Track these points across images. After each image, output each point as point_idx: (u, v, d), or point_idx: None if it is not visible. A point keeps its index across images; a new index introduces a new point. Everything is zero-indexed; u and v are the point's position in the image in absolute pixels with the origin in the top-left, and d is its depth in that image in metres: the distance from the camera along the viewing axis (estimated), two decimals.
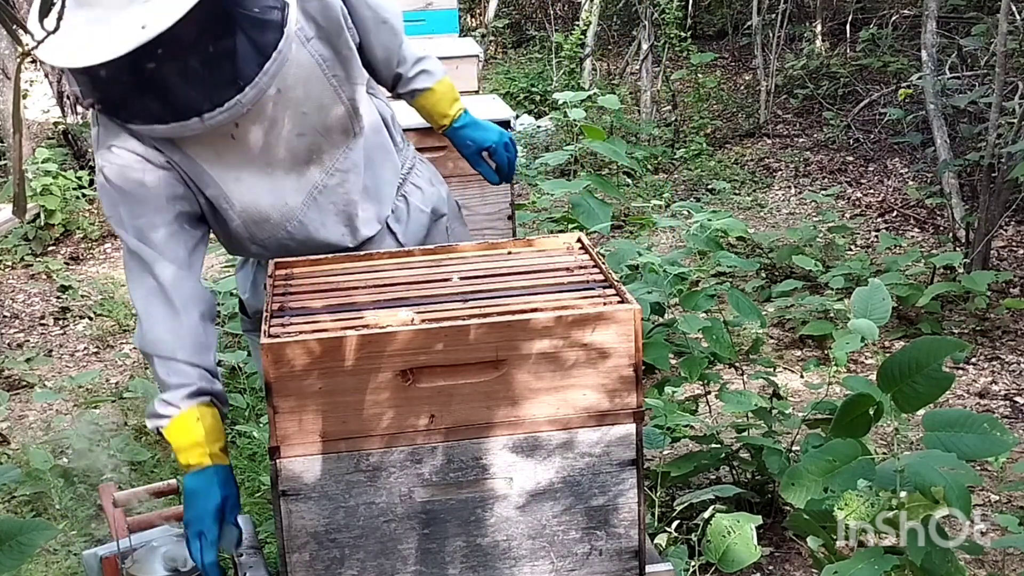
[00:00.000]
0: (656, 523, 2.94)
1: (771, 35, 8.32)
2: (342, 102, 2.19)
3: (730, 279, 5.20)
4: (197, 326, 2.09)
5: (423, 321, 1.81)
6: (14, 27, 2.12)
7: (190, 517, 2.03)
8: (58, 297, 5.55)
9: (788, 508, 3.01)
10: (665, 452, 3.29)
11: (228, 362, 4.23)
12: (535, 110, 8.81)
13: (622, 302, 1.85)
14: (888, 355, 3.30)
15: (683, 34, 8.18)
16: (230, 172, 2.12)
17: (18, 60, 2.40)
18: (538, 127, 8.19)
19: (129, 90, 1.97)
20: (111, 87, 1.98)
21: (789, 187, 6.90)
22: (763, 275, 5.28)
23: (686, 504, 2.90)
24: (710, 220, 3.93)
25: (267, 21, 2.00)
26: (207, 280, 5.15)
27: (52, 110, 7.56)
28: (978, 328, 4.64)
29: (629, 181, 7.02)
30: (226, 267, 5.28)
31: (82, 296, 5.54)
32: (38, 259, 5.99)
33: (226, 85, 1.98)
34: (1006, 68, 5.18)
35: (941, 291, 4.66)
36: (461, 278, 2.04)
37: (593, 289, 1.94)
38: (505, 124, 3.51)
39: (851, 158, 7.19)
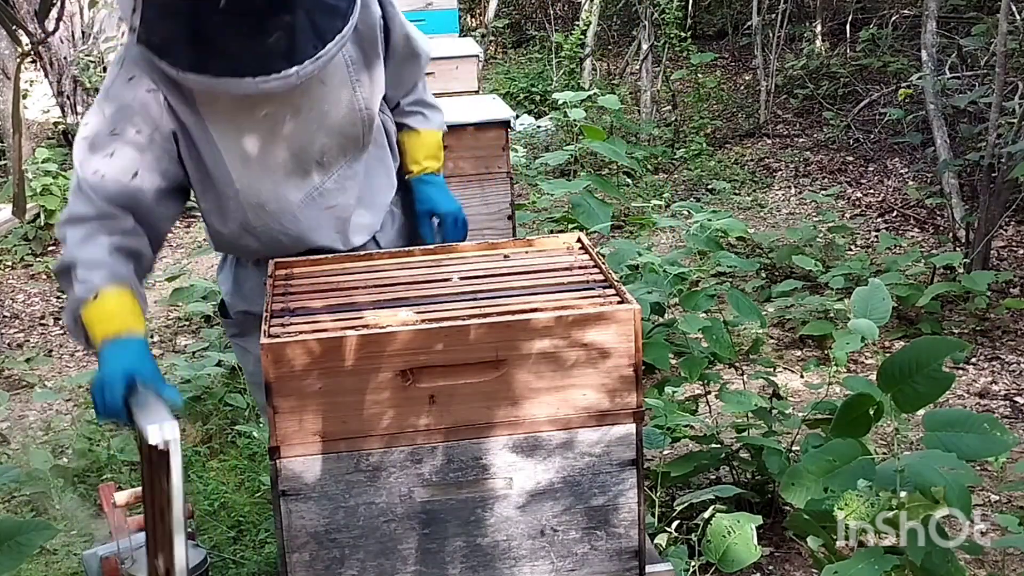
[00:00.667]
0: (656, 523, 2.94)
1: (771, 35, 8.32)
2: (359, 109, 2.21)
3: (730, 279, 5.20)
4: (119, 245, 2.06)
5: (423, 321, 1.81)
6: (14, 27, 2.12)
7: (96, 377, 1.93)
8: (58, 297, 5.54)
9: (788, 508, 3.01)
10: (665, 452, 3.29)
11: (228, 362, 4.23)
12: (535, 110, 8.81)
13: (622, 302, 1.85)
14: (888, 355, 3.30)
15: (683, 34, 8.18)
16: (241, 150, 2.11)
17: (18, 60, 2.40)
18: (538, 127, 8.19)
19: (194, 34, 1.97)
20: (180, 25, 1.98)
21: (789, 187, 6.91)
22: (763, 275, 5.28)
23: (686, 504, 2.90)
24: (710, 220, 3.93)
25: (336, 7, 2.04)
26: (207, 280, 5.15)
27: (52, 110, 7.56)
28: (978, 328, 4.64)
29: (629, 181, 7.02)
30: None
31: None
32: (38, 259, 5.99)
33: (283, 56, 1.99)
34: (1006, 68, 5.18)
35: (941, 291, 4.66)
36: (461, 278, 2.04)
37: (593, 289, 1.94)
38: (505, 124, 3.52)
39: (851, 158, 7.19)
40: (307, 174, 2.19)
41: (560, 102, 5.53)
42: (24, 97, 7.57)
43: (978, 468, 3.31)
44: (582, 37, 8.80)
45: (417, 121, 2.41)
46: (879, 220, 6.18)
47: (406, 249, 2.25)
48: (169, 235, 2.26)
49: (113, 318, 1.98)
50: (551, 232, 4.68)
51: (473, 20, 11.52)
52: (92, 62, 6.81)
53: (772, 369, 3.90)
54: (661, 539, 2.72)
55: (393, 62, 2.29)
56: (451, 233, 2.38)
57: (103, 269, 2.01)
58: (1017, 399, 4.07)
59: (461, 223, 2.40)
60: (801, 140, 7.69)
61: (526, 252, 2.16)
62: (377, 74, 2.23)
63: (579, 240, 2.16)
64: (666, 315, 4.06)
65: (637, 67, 8.79)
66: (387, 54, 2.28)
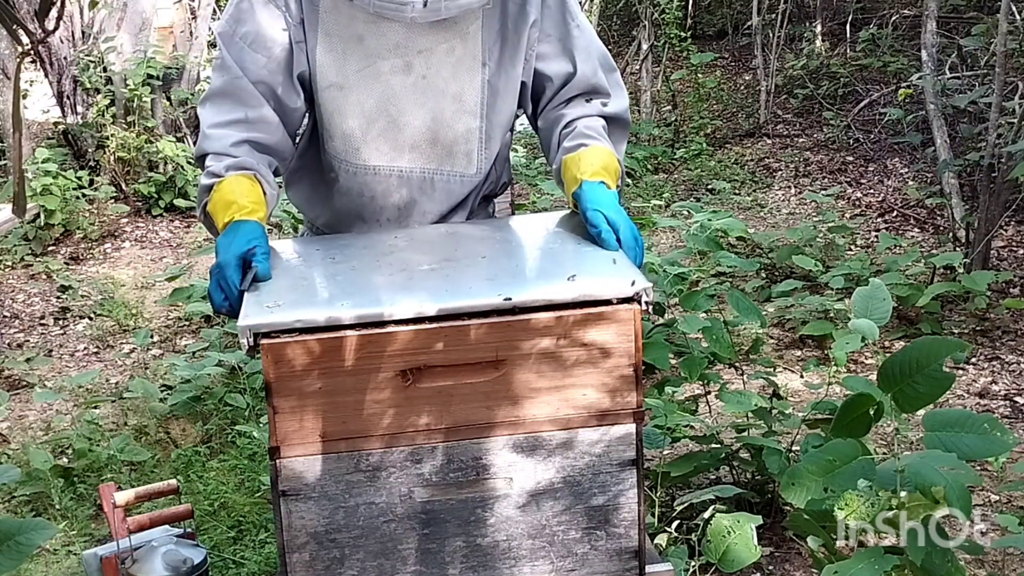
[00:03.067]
0: (656, 523, 2.94)
1: (771, 35, 8.33)
2: (474, 111, 2.18)
3: (730, 279, 5.20)
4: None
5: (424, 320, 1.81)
6: (14, 27, 2.12)
7: (214, 265, 1.99)
8: (58, 297, 5.55)
9: (788, 508, 3.01)
10: (665, 452, 3.29)
11: (228, 362, 4.23)
12: None
13: (622, 302, 1.85)
14: (888, 355, 3.30)
15: (683, 34, 8.18)
16: (338, 74, 2.15)
17: (18, 60, 2.40)
18: None
19: None
20: None
21: (789, 187, 6.91)
22: (763, 275, 5.28)
23: (686, 504, 2.90)
24: (710, 220, 3.94)
25: None
26: (207, 280, 5.15)
27: (52, 110, 7.56)
28: (978, 328, 4.64)
29: (629, 181, 7.03)
30: None
31: (82, 296, 5.54)
32: (38, 259, 5.99)
33: None
34: (1006, 68, 5.18)
35: (941, 291, 4.66)
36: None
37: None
38: None
39: (851, 158, 7.19)
40: (396, 148, 2.19)
41: None
42: (24, 97, 7.57)
43: (978, 468, 3.32)
44: None
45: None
46: (879, 220, 6.18)
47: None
48: (285, 156, 2.23)
49: (230, 205, 2.04)
50: None
51: None
52: (92, 62, 6.80)
53: (772, 369, 3.90)
54: (661, 539, 2.72)
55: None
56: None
57: (229, 159, 2.10)
58: (1017, 399, 4.07)
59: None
60: (801, 140, 7.69)
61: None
62: (512, 82, 2.19)
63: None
64: (666, 315, 4.06)
65: (637, 67, 8.79)
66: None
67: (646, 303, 1.81)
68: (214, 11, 7.54)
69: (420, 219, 2.27)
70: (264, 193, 2.10)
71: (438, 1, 2.03)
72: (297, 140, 2.29)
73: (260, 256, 1.96)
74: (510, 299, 1.79)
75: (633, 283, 1.81)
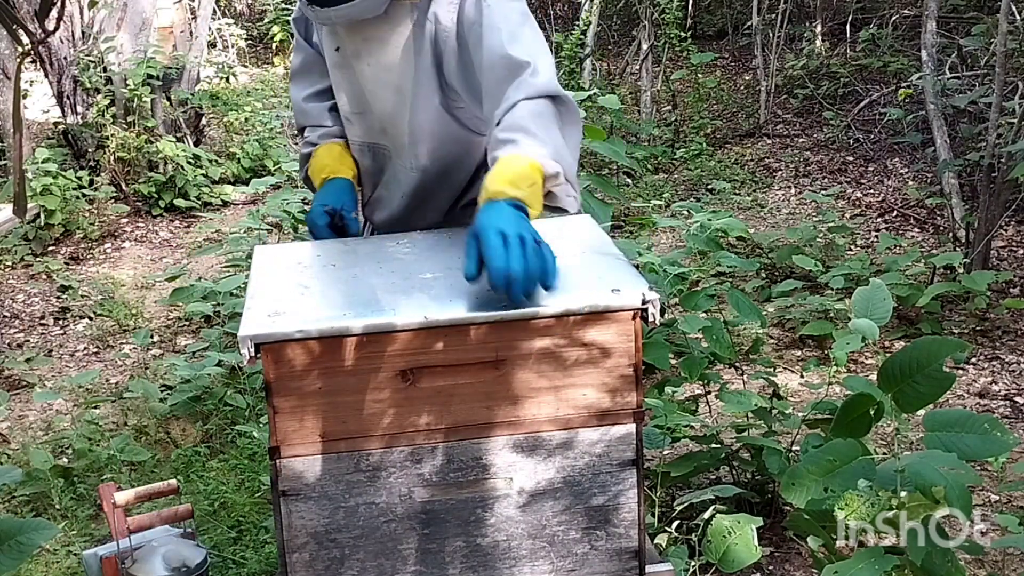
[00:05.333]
0: (656, 523, 2.94)
1: (771, 35, 8.33)
2: (407, 91, 2.24)
3: (730, 279, 5.20)
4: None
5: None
6: (14, 27, 2.12)
7: (308, 215, 2.36)
8: (58, 297, 5.55)
9: (788, 508, 3.01)
10: (665, 452, 3.29)
11: (228, 362, 4.22)
12: None
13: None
14: (888, 355, 3.30)
15: (683, 34, 8.18)
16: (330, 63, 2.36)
17: (18, 60, 2.40)
18: None
19: None
20: None
21: (789, 187, 6.91)
22: (763, 275, 5.28)
23: (686, 504, 2.90)
24: (710, 220, 3.93)
25: None
26: (207, 280, 5.15)
27: (52, 110, 7.56)
28: (978, 328, 4.64)
29: (629, 181, 7.03)
30: (226, 267, 5.28)
31: (82, 296, 5.54)
32: (38, 259, 5.99)
33: None
34: (1006, 68, 5.18)
35: (941, 291, 4.66)
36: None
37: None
38: None
39: (851, 158, 7.19)
40: (366, 125, 2.35)
41: None
42: (24, 97, 7.57)
43: (978, 468, 3.31)
44: (582, 37, 8.79)
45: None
46: (879, 220, 6.18)
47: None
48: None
49: (324, 168, 2.38)
50: None
51: None
52: (92, 62, 6.80)
53: (772, 369, 3.90)
54: (661, 539, 2.72)
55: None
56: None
57: (322, 129, 2.43)
58: (1017, 399, 4.07)
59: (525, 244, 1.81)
60: (801, 140, 7.69)
61: None
62: (430, 86, 2.23)
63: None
64: (666, 315, 4.06)
65: (637, 67, 8.79)
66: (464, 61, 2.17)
67: (652, 315, 1.80)
68: (214, 11, 7.54)
69: (388, 207, 2.42)
70: (353, 156, 2.41)
71: (327, 12, 2.15)
72: None
73: (347, 212, 2.32)
74: (515, 311, 1.79)
75: (643, 296, 1.81)
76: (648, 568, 1.93)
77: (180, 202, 6.73)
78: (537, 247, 1.79)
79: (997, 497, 3.34)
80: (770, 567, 3.03)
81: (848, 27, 8.74)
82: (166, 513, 2.38)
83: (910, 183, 6.56)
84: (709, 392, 3.58)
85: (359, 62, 2.26)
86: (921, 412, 2.51)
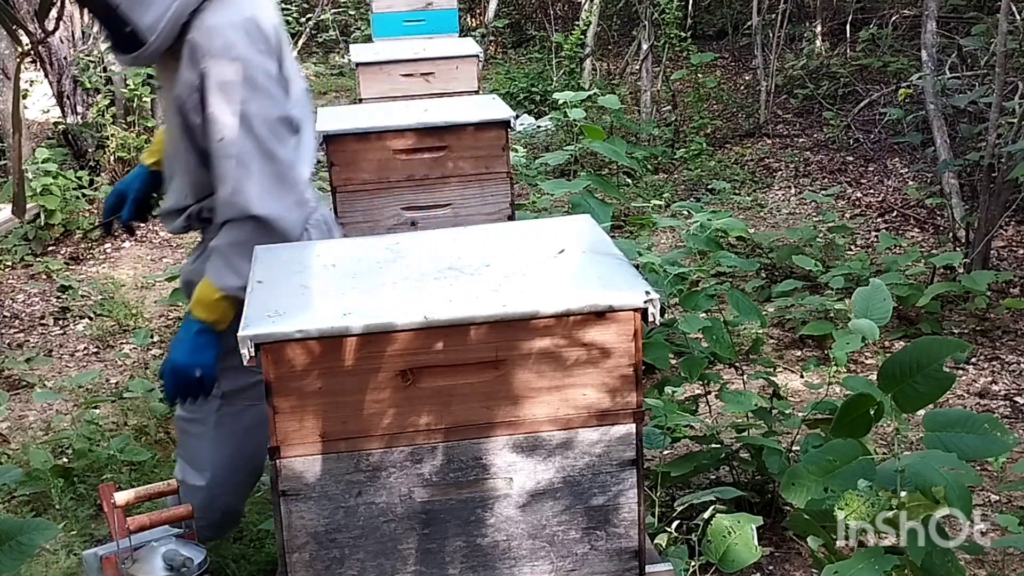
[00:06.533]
0: (656, 523, 2.94)
1: (771, 35, 8.32)
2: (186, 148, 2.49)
3: (730, 279, 5.20)
4: None
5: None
6: (14, 27, 2.12)
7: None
8: (58, 297, 5.54)
9: (788, 508, 3.01)
10: (665, 452, 3.29)
11: None
12: (535, 110, 8.81)
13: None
14: (888, 355, 3.30)
15: (683, 34, 8.18)
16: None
17: (18, 60, 2.40)
18: (538, 127, 8.19)
19: None
20: None
21: (789, 187, 6.90)
22: (763, 275, 5.28)
23: (686, 504, 2.90)
24: (710, 220, 3.93)
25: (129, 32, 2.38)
26: None
27: (52, 110, 7.55)
28: (978, 328, 4.64)
29: (629, 181, 7.02)
30: None
31: (82, 296, 5.54)
32: (38, 259, 5.98)
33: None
34: (1006, 68, 5.17)
35: (941, 291, 4.66)
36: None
37: None
38: (505, 124, 3.52)
39: (851, 158, 7.19)
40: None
41: (560, 102, 5.52)
42: (24, 97, 7.57)
43: (978, 468, 3.31)
44: (582, 37, 8.80)
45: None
46: (879, 220, 6.18)
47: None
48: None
49: (145, 152, 2.82)
50: None
51: (473, 20, 11.52)
52: (92, 62, 6.80)
53: (772, 369, 3.90)
54: (661, 539, 2.72)
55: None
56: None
57: None
58: (1017, 399, 4.07)
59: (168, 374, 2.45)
60: (801, 140, 7.69)
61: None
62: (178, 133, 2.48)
63: None
64: (666, 315, 4.06)
65: (637, 67, 8.79)
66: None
67: (652, 315, 1.81)
68: None
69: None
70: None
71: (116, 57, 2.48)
72: None
73: (130, 195, 2.77)
74: (518, 309, 1.79)
75: (647, 294, 1.81)
76: (648, 568, 1.93)
77: None
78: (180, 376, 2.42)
79: (997, 497, 3.34)
80: (770, 567, 3.03)
81: (848, 27, 8.74)
82: (166, 513, 2.38)
83: (910, 183, 6.56)
84: (709, 392, 3.58)
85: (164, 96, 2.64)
86: (921, 412, 2.51)
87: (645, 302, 1.80)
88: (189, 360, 2.39)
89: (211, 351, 2.39)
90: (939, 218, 5.99)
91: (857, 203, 6.51)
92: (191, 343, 2.39)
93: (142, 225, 2.39)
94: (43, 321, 5.33)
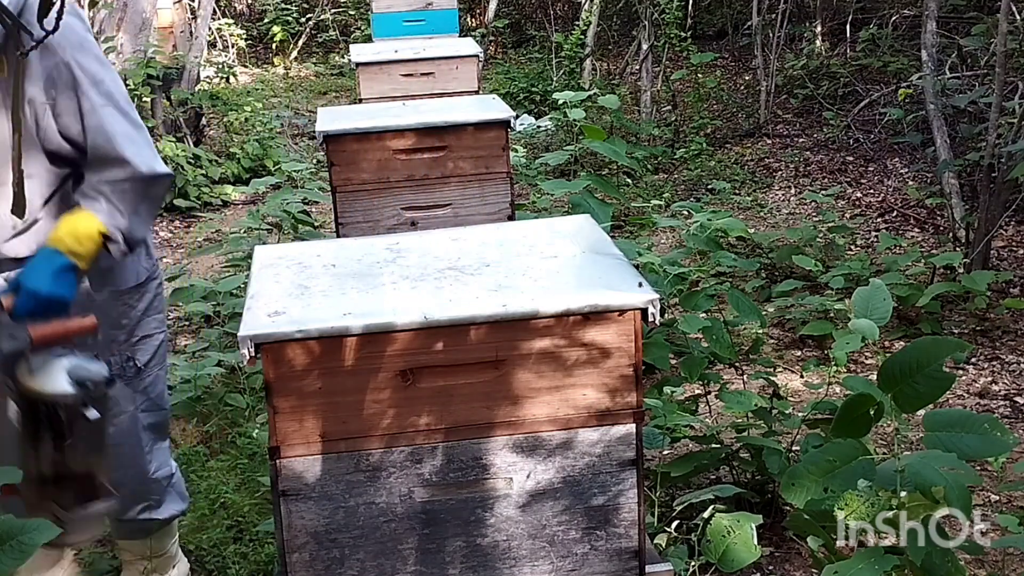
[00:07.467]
0: (656, 523, 2.94)
1: (771, 35, 8.32)
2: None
3: (730, 279, 5.20)
4: None
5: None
6: (14, 27, 2.12)
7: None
8: None
9: (788, 508, 3.01)
10: (665, 452, 3.29)
11: (228, 362, 4.22)
12: (535, 110, 8.82)
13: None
14: (888, 355, 3.30)
15: (683, 34, 8.18)
16: None
17: (18, 60, 2.39)
18: (538, 127, 8.19)
19: None
20: None
21: (789, 187, 6.90)
22: (763, 275, 5.28)
23: (686, 504, 2.90)
24: (710, 220, 3.93)
25: None
26: (207, 280, 5.15)
27: None
28: (978, 328, 4.64)
29: (629, 181, 7.02)
30: (226, 267, 5.28)
31: None
32: None
33: None
34: (1006, 68, 5.18)
35: (941, 291, 4.66)
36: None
37: None
38: (505, 124, 3.53)
39: (851, 158, 7.19)
40: None
41: (560, 102, 5.53)
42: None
43: (978, 468, 3.31)
44: (582, 37, 8.80)
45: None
46: (879, 220, 6.18)
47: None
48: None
49: None
50: None
51: (473, 20, 11.52)
52: None
53: (772, 369, 3.90)
54: (661, 539, 2.72)
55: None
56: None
57: None
58: (1017, 399, 4.07)
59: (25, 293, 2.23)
60: (801, 140, 7.69)
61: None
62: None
63: None
64: (666, 315, 4.06)
65: (637, 67, 8.79)
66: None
67: (652, 315, 1.81)
68: (214, 11, 7.55)
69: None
70: None
71: None
72: None
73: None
74: (518, 309, 1.80)
75: (647, 294, 1.81)
76: (648, 568, 1.93)
77: (180, 202, 6.72)
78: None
79: (997, 497, 3.34)
80: (770, 567, 3.03)
81: (848, 27, 8.74)
82: (72, 325, 2.18)
83: (910, 183, 6.56)
84: (709, 392, 3.58)
85: None
86: (921, 412, 2.51)
87: (645, 302, 1.81)
88: (54, 290, 2.21)
89: (73, 288, 2.26)
90: (939, 218, 5.99)
91: (857, 203, 6.51)
92: (54, 274, 2.24)
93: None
94: None
